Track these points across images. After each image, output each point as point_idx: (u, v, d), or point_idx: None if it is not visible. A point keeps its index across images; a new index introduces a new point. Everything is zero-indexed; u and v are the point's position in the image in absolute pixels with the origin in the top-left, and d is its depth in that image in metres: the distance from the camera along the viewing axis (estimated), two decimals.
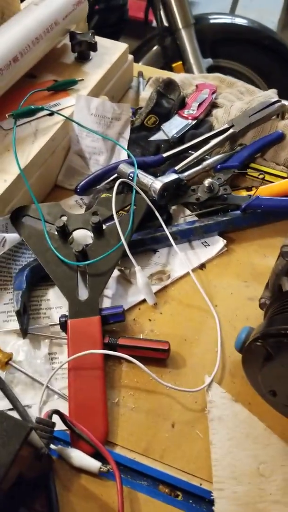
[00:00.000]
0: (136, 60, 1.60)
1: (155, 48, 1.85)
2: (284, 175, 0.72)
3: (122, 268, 0.63)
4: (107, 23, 1.88)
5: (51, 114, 0.68)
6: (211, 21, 1.85)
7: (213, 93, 0.83)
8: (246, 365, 0.48)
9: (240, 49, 1.89)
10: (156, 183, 0.64)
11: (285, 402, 0.46)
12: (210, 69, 1.76)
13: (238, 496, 0.46)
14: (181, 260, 0.64)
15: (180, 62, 1.76)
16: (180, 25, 1.69)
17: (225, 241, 0.67)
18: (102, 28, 1.86)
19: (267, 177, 0.71)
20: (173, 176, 0.66)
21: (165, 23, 1.74)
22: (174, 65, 1.76)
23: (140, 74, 0.91)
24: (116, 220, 0.59)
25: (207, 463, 0.48)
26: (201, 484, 0.48)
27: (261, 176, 0.69)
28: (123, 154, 0.72)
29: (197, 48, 1.74)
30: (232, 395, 0.53)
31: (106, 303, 0.60)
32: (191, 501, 0.47)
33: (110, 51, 0.81)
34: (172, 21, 1.70)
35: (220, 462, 0.48)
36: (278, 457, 0.49)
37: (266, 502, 0.46)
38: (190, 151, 0.72)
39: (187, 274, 0.64)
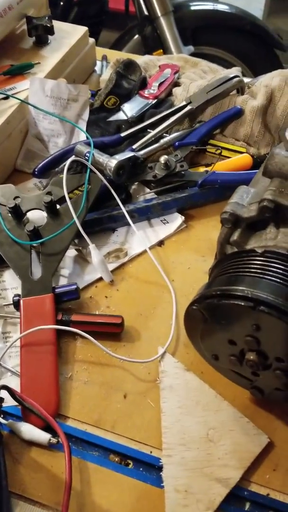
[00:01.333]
0: (117, 50, 1.61)
1: (135, 37, 1.85)
2: (243, 150, 0.71)
3: (79, 248, 0.63)
4: (86, 15, 1.88)
5: (6, 98, 0.68)
6: (192, 8, 1.84)
7: (176, 72, 0.83)
8: (188, 332, 0.48)
9: (222, 36, 1.88)
10: (111, 161, 0.64)
11: (227, 366, 0.47)
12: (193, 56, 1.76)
13: (186, 461, 0.47)
14: (139, 237, 0.65)
15: (160, 51, 1.75)
16: (158, 13, 1.69)
17: (183, 217, 0.67)
18: (82, 20, 1.86)
19: (226, 153, 0.71)
20: (129, 154, 0.66)
21: (145, 12, 1.73)
22: (155, 53, 1.76)
23: (104, 57, 0.91)
24: (67, 199, 0.60)
25: (157, 432, 0.49)
26: (151, 452, 0.48)
27: (218, 152, 0.69)
28: (82, 136, 0.73)
29: (178, 36, 1.73)
30: (185, 365, 0.53)
31: (63, 282, 0.61)
32: (141, 468, 0.47)
33: (70, 35, 0.81)
34: (151, 9, 1.70)
35: (170, 429, 0.49)
36: (228, 423, 0.49)
37: (214, 466, 0.46)
38: (149, 130, 0.72)
39: (145, 251, 0.64)
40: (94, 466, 0.47)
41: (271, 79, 0.74)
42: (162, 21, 1.70)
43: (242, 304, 0.39)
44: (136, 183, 0.70)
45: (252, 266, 0.42)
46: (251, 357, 0.43)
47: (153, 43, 1.75)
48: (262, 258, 0.42)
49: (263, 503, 0.45)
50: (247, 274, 0.42)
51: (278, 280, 0.41)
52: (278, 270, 0.41)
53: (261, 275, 0.41)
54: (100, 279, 0.61)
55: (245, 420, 0.49)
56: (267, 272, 0.41)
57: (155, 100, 0.77)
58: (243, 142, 0.72)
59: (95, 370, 0.54)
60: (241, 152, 0.71)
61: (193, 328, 0.47)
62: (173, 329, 0.56)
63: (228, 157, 0.70)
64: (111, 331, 0.56)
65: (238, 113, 0.72)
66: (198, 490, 0.45)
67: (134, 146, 0.69)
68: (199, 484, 0.45)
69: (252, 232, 0.47)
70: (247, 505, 0.45)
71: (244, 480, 0.46)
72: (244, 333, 0.42)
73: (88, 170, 0.63)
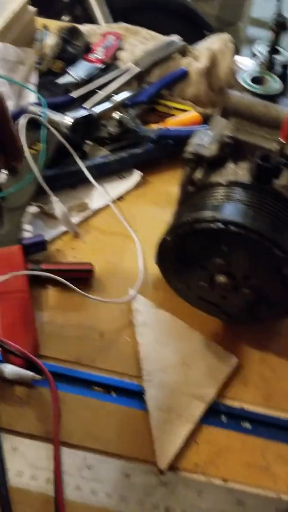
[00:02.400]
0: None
1: (66, 19, 1.83)
2: (190, 109, 0.76)
3: (41, 205, 0.64)
4: None
5: None
6: None
7: (118, 39, 0.85)
8: (160, 265, 0.51)
9: (152, 17, 1.90)
10: (67, 119, 0.65)
11: (198, 294, 0.51)
12: None
13: (166, 384, 0.50)
14: (99, 193, 0.67)
15: None
16: None
17: (140, 173, 0.70)
18: None
19: (175, 112, 0.75)
20: (84, 112, 0.68)
21: None
22: None
23: (45, 27, 0.91)
24: (27, 153, 0.61)
25: (136, 363, 0.52)
26: (132, 381, 0.51)
27: (168, 111, 0.73)
28: (31, 99, 0.73)
29: (109, 15, 1.74)
30: (156, 303, 0.57)
31: None
32: (124, 396, 0.50)
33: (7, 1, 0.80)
34: None
35: (148, 358, 0.52)
36: (200, 349, 0.53)
37: (191, 386, 0.50)
38: (99, 91, 0.74)
39: (107, 206, 0.66)
40: (79, 396, 0.49)
41: (212, 42, 0.79)
42: (91, 1, 1.71)
43: (213, 226, 0.43)
44: (90, 142, 0.72)
45: (217, 196, 0.46)
46: (221, 279, 0.47)
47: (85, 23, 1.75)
48: (226, 189, 0.46)
49: (238, 414, 0.50)
50: (213, 202, 0.46)
51: (242, 205, 0.45)
52: (241, 197, 0.45)
53: (226, 202, 0.45)
54: (65, 233, 0.63)
55: (215, 345, 0.54)
56: (232, 199, 0.45)
57: (103, 65, 0.79)
58: (190, 102, 0.77)
59: (69, 314, 0.56)
60: (189, 111, 0.75)
61: (165, 259, 0.50)
62: (141, 273, 0.59)
63: (178, 115, 0.73)
64: (82, 277, 0.58)
65: (183, 74, 0.76)
66: (179, 407, 0.49)
67: (86, 106, 0.71)
68: (179, 402, 0.49)
69: (213, 170, 0.51)
70: (223, 418, 0.50)
71: (220, 397, 0.51)
72: (214, 257, 0.46)
73: (44, 128, 0.64)
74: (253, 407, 0.51)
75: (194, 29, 1.86)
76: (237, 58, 0.80)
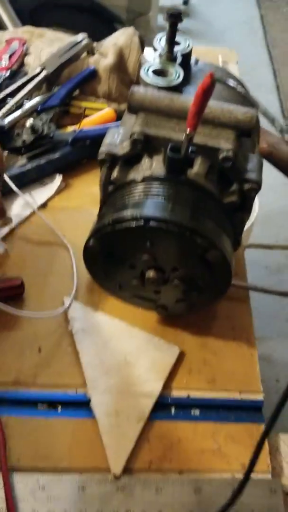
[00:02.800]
0: None
1: None
2: (105, 106, 0.75)
3: None
4: None
5: None
6: None
7: (23, 44, 0.83)
8: (90, 269, 0.51)
9: (61, 15, 1.88)
10: None
11: (132, 292, 0.51)
12: None
13: (111, 388, 0.50)
14: (22, 202, 0.65)
15: None
16: None
17: (61, 176, 0.69)
18: None
19: (89, 112, 0.74)
20: None
21: None
22: None
23: None
24: None
25: (79, 372, 0.51)
26: (76, 391, 0.50)
27: (82, 111, 0.72)
28: None
29: (15, 17, 1.70)
30: (93, 307, 0.56)
31: None
32: (71, 408, 0.50)
33: None
34: None
35: (90, 364, 0.51)
36: (141, 345, 0.53)
37: (137, 384, 0.50)
38: (8, 99, 0.72)
39: (32, 214, 0.65)
40: (23, 418, 0.48)
41: (117, 38, 0.79)
42: None
43: (134, 225, 0.43)
44: (6, 152, 0.70)
45: (135, 193, 0.46)
46: (151, 274, 0.47)
47: None
48: (142, 185, 0.46)
49: (185, 403, 0.51)
50: (132, 201, 0.45)
51: (160, 199, 0.45)
52: (158, 191, 0.46)
53: (144, 198, 0.45)
54: None
55: (156, 339, 0.54)
56: (149, 195, 0.45)
57: (9, 72, 0.77)
58: (103, 99, 0.76)
59: (3, 333, 0.54)
60: (103, 109, 0.74)
61: (93, 263, 0.49)
62: (75, 278, 0.58)
63: (92, 114, 0.73)
64: (12, 294, 0.56)
65: (92, 73, 0.75)
66: (127, 408, 0.49)
67: None
68: (126, 403, 0.49)
69: (130, 167, 0.51)
70: (173, 410, 0.50)
71: (166, 389, 0.51)
72: (140, 254, 0.46)
73: None
74: (200, 393, 0.51)
75: (104, 23, 1.86)
76: (146, 50, 0.81)
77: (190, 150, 0.45)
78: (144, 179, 0.47)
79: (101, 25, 1.85)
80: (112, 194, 0.49)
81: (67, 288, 0.58)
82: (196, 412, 0.50)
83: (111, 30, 1.94)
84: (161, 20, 2.97)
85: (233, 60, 0.96)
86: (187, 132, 0.42)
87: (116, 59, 0.75)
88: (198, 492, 0.45)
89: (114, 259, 0.48)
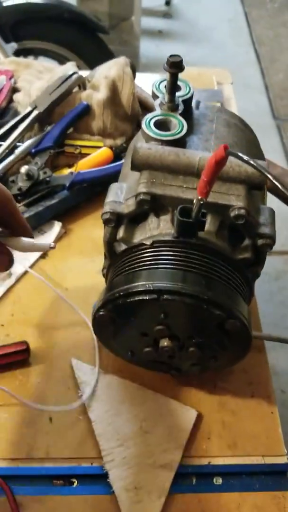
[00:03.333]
0: None
1: None
2: (101, 144, 0.72)
3: None
4: None
5: None
6: (4, 4, 1.78)
7: (11, 78, 0.80)
8: (100, 336, 0.48)
9: (43, 27, 1.85)
10: None
11: (145, 358, 0.48)
12: (17, 53, 1.70)
13: (128, 460, 0.47)
14: (19, 255, 0.62)
15: None
16: None
17: (60, 223, 0.66)
18: None
19: (85, 150, 0.71)
20: None
21: None
22: None
23: None
24: None
25: (93, 442, 0.49)
26: (92, 463, 0.48)
27: (77, 151, 0.69)
28: None
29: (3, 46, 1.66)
30: (102, 369, 0.53)
31: None
32: (87, 483, 0.47)
33: None
34: None
35: (104, 435, 0.49)
36: (156, 409, 0.51)
37: (155, 455, 0.48)
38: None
39: (33, 266, 0.62)
40: (39, 497, 0.46)
41: (109, 69, 0.76)
42: None
43: (147, 298, 0.41)
44: None
45: (145, 259, 0.44)
46: (165, 343, 0.45)
47: None
48: (152, 249, 0.44)
49: (207, 472, 0.48)
50: (142, 268, 0.43)
51: (171, 266, 0.42)
52: (169, 257, 0.43)
53: (155, 266, 0.43)
54: None
55: (172, 402, 0.51)
56: (160, 261, 0.43)
57: None
58: (98, 136, 0.73)
59: (10, 405, 0.51)
60: (99, 147, 0.72)
61: (103, 332, 0.47)
62: (82, 337, 0.56)
63: (88, 154, 0.70)
64: (19, 359, 0.53)
65: (86, 109, 0.72)
66: (146, 483, 0.46)
67: None
68: (145, 476, 0.47)
69: (136, 225, 0.48)
70: (194, 480, 0.48)
71: (185, 457, 0.49)
72: (153, 324, 0.43)
73: None
74: (221, 459, 0.49)
75: (87, 33, 1.82)
76: (138, 78, 0.78)
77: (201, 213, 0.43)
78: (154, 242, 0.44)
79: (84, 35, 1.82)
80: (120, 257, 0.46)
81: (75, 345, 0.55)
82: (218, 480, 0.48)
83: (95, 40, 1.92)
84: (144, 23, 2.94)
85: (227, 80, 0.93)
86: (199, 198, 0.40)
87: (109, 93, 0.72)
88: None
89: (125, 328, 0.45)
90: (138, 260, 0.44)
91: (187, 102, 0.52)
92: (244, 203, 0.45)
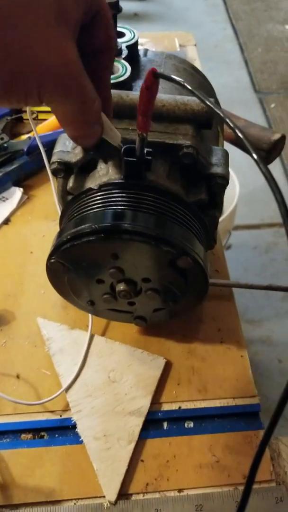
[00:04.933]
0: None
1: None
2: None
3: None
4: None
5: None
6: None
7: None
8: (57, 287, 0.47)
9: None
10: None
11: (105, 307, 0.48)
12: None
13: (97, 409, 0.47)
14: None
15: None
16: None
17: (21, 189, 0.65)
18: None
19: (43, 116, 0.70)
20: None
21: None
22: None
23: None
24: None
25: (61, 396, 0.48)
26: (61, 416, 0.48)
27: (34, 116, 0.68)
28: None
29: None
30: (69, 325, 0.53)
31: None
32: (57, 435, 0.47)
33: None
34: None
35: (72, 387, 0.48)
36: (124, 360, 0.50)
37: (124, 403, 0.48)
38: None
39: None
40: (8, 452, 0.45)
41: None
42: None
43: (93, 238, 0.40)
44: None
45: (93, 203, 0.43)
46: (122, 287, 0.44)
47: None
48: (99, 193, 0.43)
49: (178, 417, 0.48)
50: (90, 211, 0.42)
51: (119, 207, 0.42)
52: (117, 199, 0.42)
53: (103, 208, 0.42)
54: None
55: (139, 352, 0.51)
56: (107, 204, 0.42)
57: None
58: None
59: None
60: None
61: (59, 282, 0.46)
62: (46, 296, 0.55)
63: (46, 119, 0.69)
64: None
65: None
66: (115, 430, 0.46)
67: None
68: (115, 424, 0.46)
69: (86, 175, 0.47)
70: (165, 425, 0.48)
71: (156, 404, 0.48)
72: (106, 268, 0.43)
73: None
74: (192, 403, 0.49)
75: None
76: None
77: (146, 151, 0.42)
78: (101, 187, 0.43)
79: None
80: (69, 205, 0.46)
81: (40, 306, 0.55)
82: (190, 424, 0.48)
83: None
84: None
85: (191, 42, 0.92)
86: (139, 133, 0.39)
87: None
88: (200, 510, 0.43)
89: (79, 276, 0.44)
90: (86, 205, 0.43)
91: (132, 48, 0.51)
92: (192, 141, 0.44)
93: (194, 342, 0.53)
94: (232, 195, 1.52)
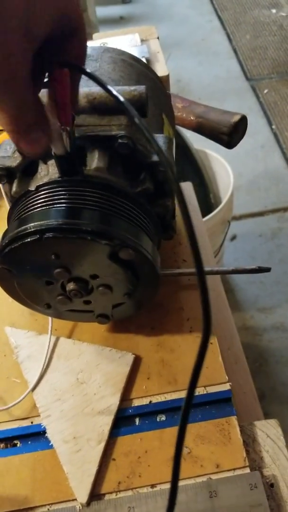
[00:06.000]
0: None
1: None
2: None
3: None
4: None
5: None
6: None
7: None
8: (10, 294, 0.47)
9: None
10: None
11: (62, 308, 0.47)
12: None
13: (65, 413, 0.47)
14: None
15: None
16: None
17: None
18: None
19: None
20: None
21: None
22: None
23: None
24: None
25: (31, 402, 0.48)
26: (32, 422, 0.47)
27: None
28: None
29: None
30: (37, 331, 0.53)
31: None
32: (29, 442, 0.47)
33: None
34: None
35: (40, 393, 0.48)
36: (92, 360, 0.50)
37: (93, 403, 0.47)
38: None
39: None
40: None
41: None
42: None
43: (29, 240, 0.40)
44: None
45: (30, 204, 0.43)
46: (71, 287, 0.44)
47: None
48: (37, 194, 0.43)
49: (149, 411, 0.47)
50: (27, 213, 0.42)
51: (55, 205, 0.41)
52: (54, 197, 0.42)
53: (40, 208, 0.42)
54: None
55: (107, 350, 0.50)
56: (44, 204, 0.42)
57: None
58: None
59: None
60: None
61: (10, 288, 0.46)
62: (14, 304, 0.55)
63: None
64: None
65: None
66: (85, 431, 0.45)
67: None
68: (84, 425, 0.46)
69: (30, 178, 0.47)
70: (137, 420, 0.47)
71: (126, 400, 0.48)
72: (51, 269, 0.42)
73: None
74: (162, 397, 0.48)
75: None
76: None
77: (77, 145, 0.42)
78: (38, 187, 0.43)
79: None
80: (12, 210, 0.46)
81: (7, 315, 0.55)
82: (162, 417, 0.47)
83: None
84: (104, 12, 2.93)
85: (153, 35, 0.91)
86: (63, 127, 0.39)
87: None
88: None
89: (28, 280, 0.44)
90: (25, 207, 0.43)
91: None
92: (126, 131, 0.43)
93: (163, 334, 0.52)
94: (227, 185, 1.50)
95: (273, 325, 1.65)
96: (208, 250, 0.81)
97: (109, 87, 0.34)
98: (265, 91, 2.42)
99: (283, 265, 1.79)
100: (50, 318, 0.52)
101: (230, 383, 0.48)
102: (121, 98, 0.33)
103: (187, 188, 0.91)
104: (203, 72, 2.63)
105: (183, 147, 1.53)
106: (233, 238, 1.85)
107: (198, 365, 0.30)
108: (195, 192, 0.88)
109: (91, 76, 0.35)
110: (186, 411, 0.31)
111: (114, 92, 0.34)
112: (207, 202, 1.58)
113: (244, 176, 2.07)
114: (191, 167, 1.56)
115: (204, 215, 1.37)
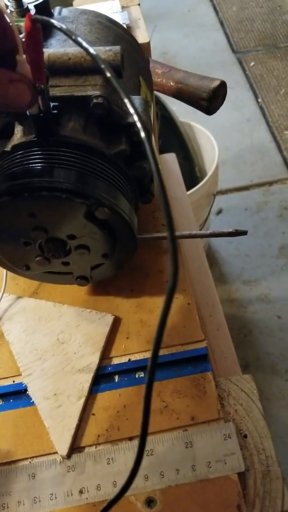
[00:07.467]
0: None
1: None
2: None
3: None
4: None
5: None
6: None
7: None
8: None
9: None
10: None
11: (40, 270, 0.48)
12: None
13: (46, 371, 0.48)
14: None
15: None
16: None
17: None
18: None
19: None
20: None
21: None
22: None
23: None
24: None
25: (13, 362, 0.49)
26: (14, 381, 0.48)
27: None
28: None
29: None
30: (17, 294, 0.54)
31: None
32: (11, 400, 0.48)
33: None
34: None
35: (22, 352, 0.49)
36: (72, 321, 0.51)
37: (73, 361, 0.48)
38: None
39: None
40: None
41: None
42: None
43: (6, 199, 0.40)
44: None
45: (7, 165, 0.43)
46: (50, 247, 0.44)
47: None
48: (13, 154, 0.43)
49: (127, 368, 0.48)
50: (2, 174, 0.42)
51: (30, 165, 0.41)
52: (29, 158, 0.42)
53: (15, 168, 0.42)
54: None
55: (87, 312, 0.51)
56: (20, 164, 0.42)
57: None
58: None
59: None
60: None
61: None
62: None
63: None
64: None
65: None
66: (65, 388, 0.47)
67: None
68: (64, 383, 0.47)
69: (7, 140, 0.47)
70: (116, 378, 0.48)
71: (106, 359, 0.49)
72: (29, 229, 0.43)
73: None
74: (141, 355, 0.49)
75: None
76: None
77: (52, 105, 0.42)
78: (14, 147, 0.43)
79: None
80: None
81: None
82: (140, 374, 0.48)
83: None
84: None
85: (134, 2, 0.90)
86: (37, 86, 0.39)
87: None
88: (151, 454, 0.43)
89: (6, 241, 0.45)
90: (1, 169, 0.43)
91: (42, 7, 0.51)
92: (101, 91, 0.43)
93: (142, 296, 0.53)
94: (212, 158, 1.50)
95: (258, 297, 1.68)
96: (192, 220, 0.82)
97: (84, 44, 0.34)
98: (252, 64, 2.40)
99: (268, 238, 1.81)
100: (4, 276, 0.52)
101: (206, 341, 0.49)
102: (93, 52, 0.33)
103: (170, 159, 0.91)
104: (189, 44, 2.59)
105: (168, 120, 1.52)
106: (219, 212, 1.86)
107: (164, 315, 0.31)
108: (180, 165, 0.89)
109: (65, 32, 0.35)
110: (154, 357, 0.32)
111: (85, 45, 0.34)
112: (193, 176, 1.58)
113: (231, 150, 2.07)
114: (176, 140, 1.56)
115: (189, 188, 1.37)
